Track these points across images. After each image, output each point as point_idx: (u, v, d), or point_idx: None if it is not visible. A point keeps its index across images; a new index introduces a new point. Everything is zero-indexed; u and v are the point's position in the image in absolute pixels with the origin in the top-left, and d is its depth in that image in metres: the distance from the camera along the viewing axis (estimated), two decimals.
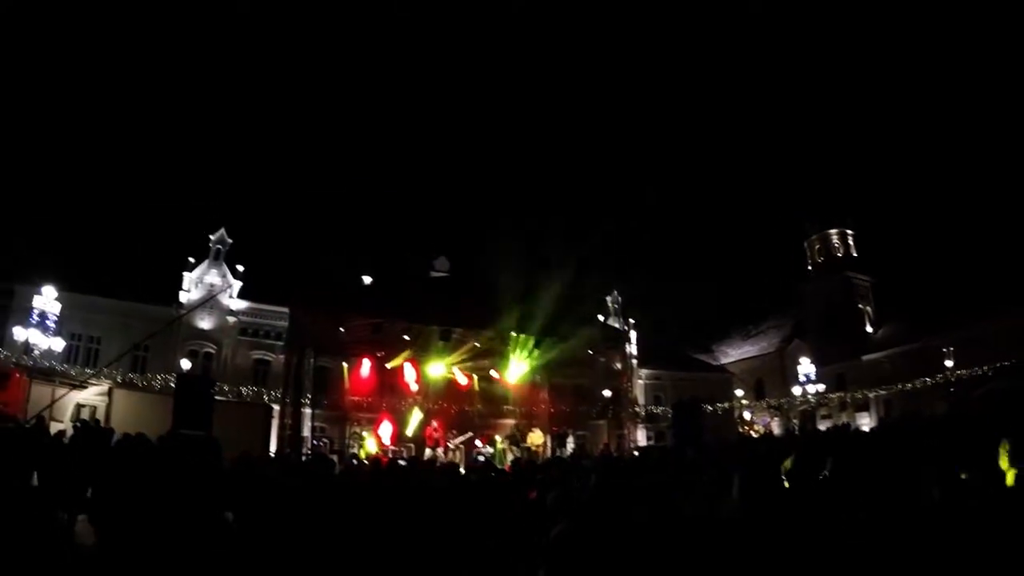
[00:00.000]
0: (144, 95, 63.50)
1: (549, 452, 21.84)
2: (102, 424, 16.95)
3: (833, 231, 45.05)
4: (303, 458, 15.14)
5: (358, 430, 23.72)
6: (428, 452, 19.56)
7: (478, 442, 21.48)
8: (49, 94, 56.75)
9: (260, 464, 8.81)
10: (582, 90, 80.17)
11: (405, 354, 20.88)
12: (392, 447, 20.98)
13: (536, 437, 21.29)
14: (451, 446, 20.84)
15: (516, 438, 20.43)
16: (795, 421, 39.03)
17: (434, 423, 20.64)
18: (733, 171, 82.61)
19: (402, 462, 14.83)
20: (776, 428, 38.42)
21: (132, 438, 8.96)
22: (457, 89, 79.26)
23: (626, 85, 79.37)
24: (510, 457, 20.35)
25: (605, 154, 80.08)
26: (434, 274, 25.87)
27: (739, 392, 38.31)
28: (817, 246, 45.63)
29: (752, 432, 34.69)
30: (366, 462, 15.56)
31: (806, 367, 37.31)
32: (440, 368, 21.94)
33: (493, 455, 20.56)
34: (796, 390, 37.16)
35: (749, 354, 44.81)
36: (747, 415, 37.11)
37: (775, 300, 47.59)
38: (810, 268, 46.00)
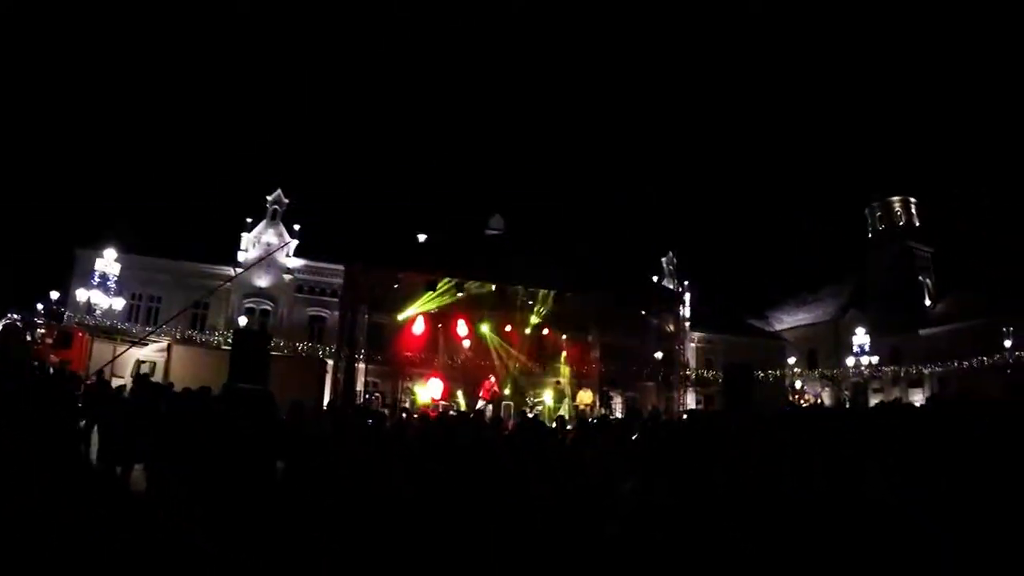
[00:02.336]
0: (199, 60, 64.72)
1: (599, 410, 21.87)
2: (160, 379, 17.66)
3: (896, 198, 43.31)
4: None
5: (410, 385, 24.21)
6: (481, 404, 19.83)
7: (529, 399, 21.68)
8: (106, 62, 58.30)
9: (311, 415, 8.86)
10: (639, 49, 78.42)
11: (426, 302, 20.95)
12: (443, 401, 21.28)
13: (586, 396, 21.34)
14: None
15: (562, 394, 20.56)
16: (846, 393, 38.25)
17: (492, 377, 20.85)
18: (798, 134, 79.80)
19: (452, 414, 15.07)
20: (827, 399, 37.78)
21: (194, 392, 9.05)
22: (514, 53, 78.47)
23: (691, 46, 77.20)
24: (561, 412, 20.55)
25: (664, 112, 78.34)
26: (488, 232, 25.89)
27: (791, 360, 37.56)
28: (879, 213, 43.97)
29: (802, 401, 34.15)
30: (415, 416, 15.87)
31: (861, 338, 36.33)
32: (492, 325, 22.13)
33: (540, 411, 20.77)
34: (849, 361, 36.30)
35: (804, 322, 43.71)
36: (798, 384, 36.47)
37: (833, 268, 46.20)
38: (870, 236, 44.43)
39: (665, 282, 30.30)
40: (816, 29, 74.14)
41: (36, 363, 15.11)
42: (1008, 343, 31.56)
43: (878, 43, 71.22)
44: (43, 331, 21.03)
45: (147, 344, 25.13)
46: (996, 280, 35.83)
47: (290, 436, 6.26)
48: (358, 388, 24.47)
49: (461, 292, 20.25)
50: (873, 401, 34.12)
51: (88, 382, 12.92)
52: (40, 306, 26.88)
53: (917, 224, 43.10)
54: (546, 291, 20.69)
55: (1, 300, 30.76)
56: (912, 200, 43.29)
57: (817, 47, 75.55)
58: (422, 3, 69.84)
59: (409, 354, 24.21)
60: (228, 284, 28.96)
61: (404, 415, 17.51)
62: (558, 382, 22.27)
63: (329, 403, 18.86)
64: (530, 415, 18.95)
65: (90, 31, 56.09)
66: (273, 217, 30.57)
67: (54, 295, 27.37)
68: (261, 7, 66.04)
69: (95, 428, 9.74)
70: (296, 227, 30.33)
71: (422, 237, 23.28)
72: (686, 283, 30.84)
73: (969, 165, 66.60)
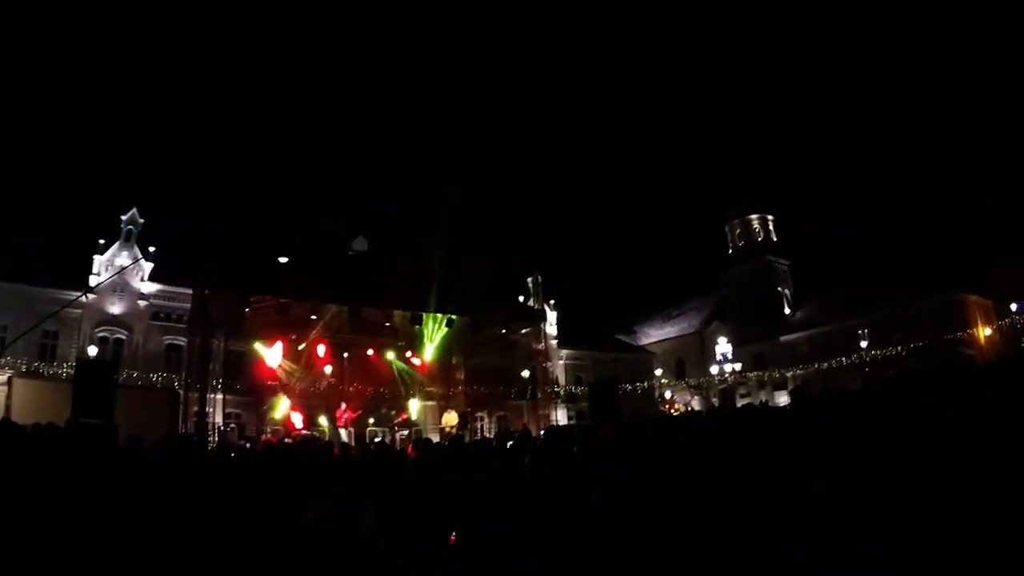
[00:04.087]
0: (51, 71, 60.14)
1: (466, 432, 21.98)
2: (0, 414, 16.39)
3: (754, 216, 46.48)
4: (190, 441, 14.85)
5: (271, 414, 23.43)
6: (343, 433, 19.53)
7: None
8: None
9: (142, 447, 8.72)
10: (514, 68, 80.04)
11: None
12: (304, 431, 20.73)
13: (450, 418, 21.45)
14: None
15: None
16: (715, 399, 40.36)
17: (343, 404, 20.54)
18: (659, 155, 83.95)
19: (288, 440, 14.87)
20: (697, 406, 39.69)
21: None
22: (386, 59, 77.99)
23: (557, 64, 79.56)
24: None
25: (531, 130, 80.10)
26: (352, 252, 25.38)
27: (659, 372, 39.16)
28: (738, 230, 46.98)
29: (672, 410, 35.72)
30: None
31: (723, 347, 38.57)
32: (353, 349, 21.83)
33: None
34: (714, 369, 38.30)
35: (670, 335, 45.91)
36: (668, 394, 38.10)
37: (697, 283, 49.15)
38: (731, 252, 47.33)
39: (531, 302, 30.85)
40: (679, 50, 78.71)
41: None
42: (864, 344, 34.46)
43: (734, 63, 76.47)
44: None
45: None
46: (849, 286, 39.02)
47: (127, 470, 6.11)
48: (217, 420, 23.43)
49: (314, 316, 19.86)
50: (740, 403, 36.17)
51: None
52: None
53: (775, 239, 46.34)
54: (406, 313, 20.66)
55: None
56: (769, 217, 46.60)
57: (679, 66, 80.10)
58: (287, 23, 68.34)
59: (269, 382, 23.42)
60: (77, 307, 27.00)
61: (248, 445, 16.90)
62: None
63: (164, 437, 17.92)
64: (377, 439, 18.88)
65: None
66: (127, 239, 28.71)
67: None
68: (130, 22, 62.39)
69: None
70: (151, 249, 28.68)
71: (283, 259, 22.61)
72: (551, 302, 31.58)
73: (822, 180, 72.49)
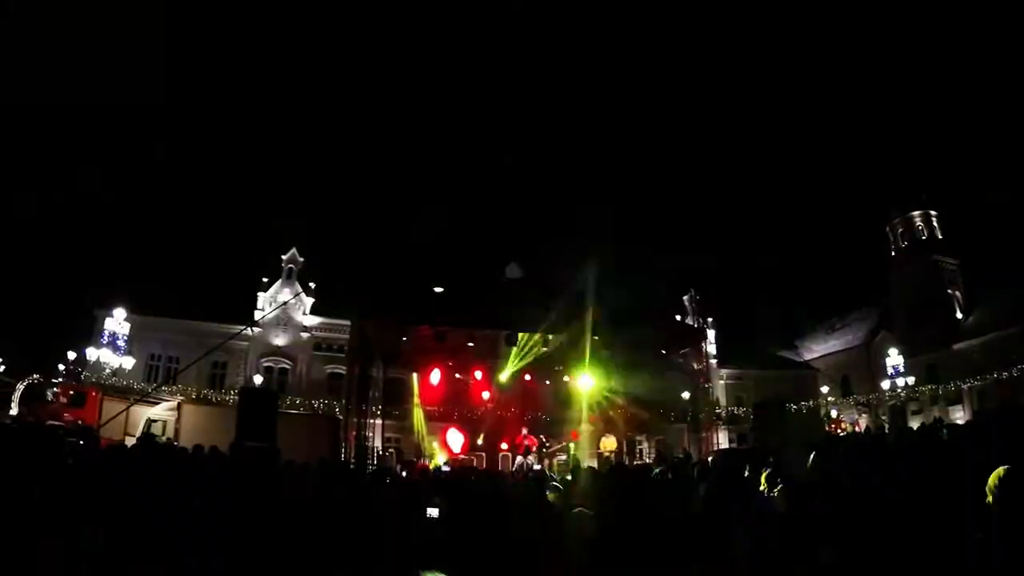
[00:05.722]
0: (213, 123, 66.16)
1: (626, 457, 21.22)
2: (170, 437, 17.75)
3: (916, 213, 42.29)
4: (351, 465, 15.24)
5: (428, 440, 23.70)
6: (519, 460, 19.14)
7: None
8: (123, 125, 59.74)
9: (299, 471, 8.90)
10: (645, 84, 78.66)
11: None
12: (462, 456, 20.77)
13: (609, 442, 20.83)
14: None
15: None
16: (884, 417, 36.98)
17: (524, 430, 20.30)
18: (805, 159, 78.74)
19: (445, 468, 14.70)
20: (864, 424, 36.55)
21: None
22: (527, 96, 79.16)
23: (690, 66, 77.18)
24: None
25: (674, 144, 77.87)
26: (506, 278, 25.53)
27: (824, 389, 36.48)
28: (900, 230, 42.90)
29: (839, 431, 32.97)
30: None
31: (894, 359, 35.31)
32: (510, 374, 21.63)
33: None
34: (884, 384, 35.21)
35: (834, 348, 42.44)
36: (834, 413, 35.29)
37: (859, 291, 45.26)
38: (893, 254, 43.43)
39: (688, 320, 29.61)
40: (813, 49, 74.04)
41: (52, 422, 15.47)
42: None
43: (880, 63, 70.69)
44: (58, 390, 21.18)
45: (158, 403, 25.23)
46: None
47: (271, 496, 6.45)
48: (376, 444, 24.07)
49: (471, 343, 19.89)
50: (913, 423, 32.91)
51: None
52: (61, 366, 27.24)
53: (940, 237, 42.00)
54: (563, 337, 20.19)
55: (29, 361, 31.38)
56: (933, 213, 42.26)
57: (820, 69, 75.15)
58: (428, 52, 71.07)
59: (428, 407, 23.78)
60: (243, 340, 28.94)
61: (403, 473, 16.92)
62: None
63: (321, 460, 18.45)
64: (534, 465, 18.24)
65: (105, 91, 57.74)
66: (288, 276, 30.77)
67: (71, 355, 27.68)
68: (269, 66, 67.72)
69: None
70: (312, 285, 30.41)
71: (438, 289, 22.99)
72: (710, 319, 30.13)
73: (985, 170, 64.98)
